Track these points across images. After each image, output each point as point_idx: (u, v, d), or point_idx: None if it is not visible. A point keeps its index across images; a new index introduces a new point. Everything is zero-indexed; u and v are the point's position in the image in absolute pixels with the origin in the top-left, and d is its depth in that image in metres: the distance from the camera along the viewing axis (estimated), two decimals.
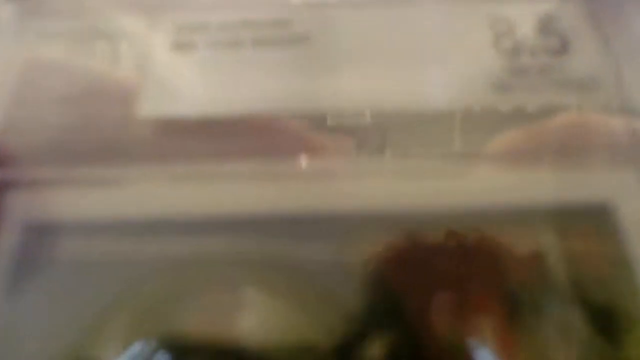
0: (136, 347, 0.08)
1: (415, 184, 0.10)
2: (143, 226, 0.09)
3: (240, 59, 0.11)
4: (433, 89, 0.11)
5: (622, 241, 0.09)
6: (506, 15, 0.11)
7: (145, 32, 0.12)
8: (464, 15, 0.12)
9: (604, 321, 0.08)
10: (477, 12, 0.11)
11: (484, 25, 0.11)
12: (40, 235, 0.09)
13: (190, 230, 0.09)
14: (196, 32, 0.11)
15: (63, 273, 0.09)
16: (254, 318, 0.09)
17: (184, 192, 0.10)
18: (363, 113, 0.10)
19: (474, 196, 0.10)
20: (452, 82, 0.11)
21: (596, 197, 0.09)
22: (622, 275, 0.09)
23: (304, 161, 0.10)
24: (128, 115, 0.10)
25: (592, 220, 0.09)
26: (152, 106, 0.11)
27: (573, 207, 0.09)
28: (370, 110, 0.10)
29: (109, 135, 0.10)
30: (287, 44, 0.11)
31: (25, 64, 0.11)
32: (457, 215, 0.09)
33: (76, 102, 0.11)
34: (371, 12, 0.12)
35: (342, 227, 0.09)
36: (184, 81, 0.11)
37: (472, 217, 0.09)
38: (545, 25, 0.11)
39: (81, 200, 0.10)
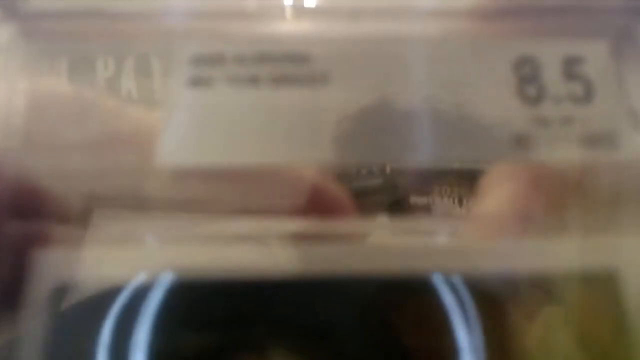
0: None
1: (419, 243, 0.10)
2: (167, 287, 0.10)
3: (260, 99, 0.11)
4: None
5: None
6: (532, 54, 0.11)
7: (158, 60, 0.11)
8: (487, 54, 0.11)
9: None
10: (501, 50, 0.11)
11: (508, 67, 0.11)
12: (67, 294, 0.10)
13: (216, 291, 0.10)
14: (213, 66, 0.11)
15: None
16: None
17: (207, 251, 0.10)
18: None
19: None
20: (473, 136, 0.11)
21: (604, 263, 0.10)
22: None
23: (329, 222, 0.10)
24: (146, 162, 0.10)
25: (599, 287, 0.10)
26: (172, 153, 0.10)
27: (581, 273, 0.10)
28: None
29: (127, 184, 0.10)
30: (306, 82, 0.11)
31: (32, 98, 0.11)
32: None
33: (92, 148, 0.10)
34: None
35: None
36: (203, 124, 0.11)
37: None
38: (571, 68, 0.11)
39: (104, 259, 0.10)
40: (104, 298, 0.10)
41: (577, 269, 0.10)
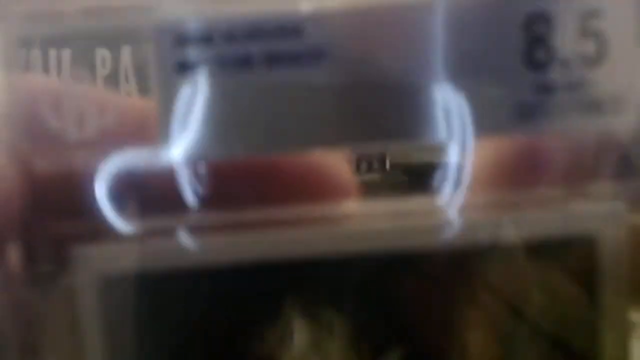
0: None
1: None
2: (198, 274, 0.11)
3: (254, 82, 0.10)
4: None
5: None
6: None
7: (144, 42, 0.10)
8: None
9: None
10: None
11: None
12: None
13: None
14: (198, 47, 0.10)
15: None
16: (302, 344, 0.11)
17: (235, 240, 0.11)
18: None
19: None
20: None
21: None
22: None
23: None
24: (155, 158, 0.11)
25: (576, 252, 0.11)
26: (170, 151, 0.10)
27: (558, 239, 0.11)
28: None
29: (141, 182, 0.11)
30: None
31: (23, 94, 0.11)
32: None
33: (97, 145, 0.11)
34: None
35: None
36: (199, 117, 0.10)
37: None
38: (586, 24, 0.10)
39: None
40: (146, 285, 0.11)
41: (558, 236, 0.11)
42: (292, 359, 0.11)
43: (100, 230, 0.11)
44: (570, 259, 0.11)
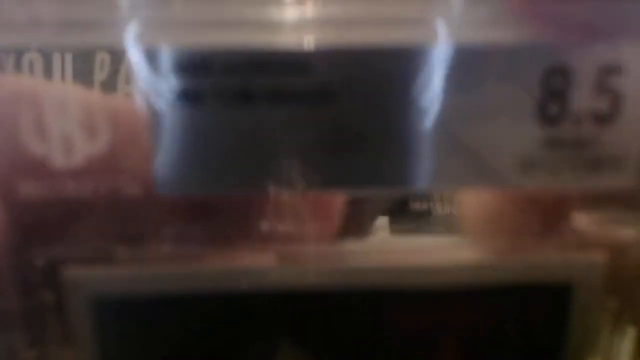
0: None
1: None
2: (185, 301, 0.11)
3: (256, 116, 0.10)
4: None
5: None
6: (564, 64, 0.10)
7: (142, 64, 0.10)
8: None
9: None
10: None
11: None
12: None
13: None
14: (201, 75, 0.10)
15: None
16: None
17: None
18: None
19: None
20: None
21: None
22: None
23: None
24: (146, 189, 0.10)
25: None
26: (170, 181, 0.10)
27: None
28: None
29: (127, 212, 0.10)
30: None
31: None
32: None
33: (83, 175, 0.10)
34: None
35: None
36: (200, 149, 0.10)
37: None
38: (604, 79, 0.10)
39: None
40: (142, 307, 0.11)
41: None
42: None
43: (92, 254, 0.11)
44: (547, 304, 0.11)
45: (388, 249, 0.11)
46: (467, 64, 0.10)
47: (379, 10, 0.09)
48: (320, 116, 0.10)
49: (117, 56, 0.10)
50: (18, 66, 0.11)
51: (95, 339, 0.11)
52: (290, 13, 0.09)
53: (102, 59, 0.10)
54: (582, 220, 0.12)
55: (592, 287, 0.11)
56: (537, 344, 0.11)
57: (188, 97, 0.10)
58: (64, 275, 0.11)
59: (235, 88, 0.10)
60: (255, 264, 0.11)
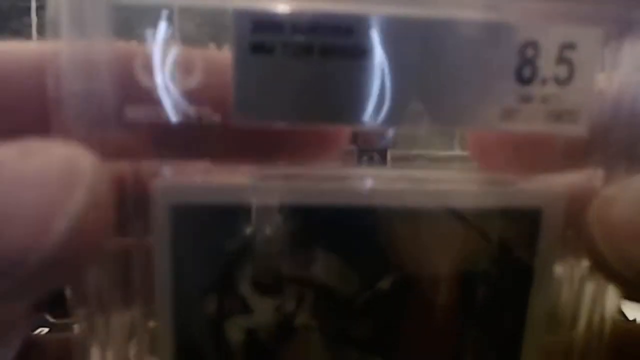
0: None
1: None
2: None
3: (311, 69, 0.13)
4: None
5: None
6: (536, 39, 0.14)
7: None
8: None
9: None
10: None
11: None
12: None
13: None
14: (272, 33, 0.13)
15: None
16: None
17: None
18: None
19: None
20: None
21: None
22: None
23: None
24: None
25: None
26: (241, 112, 0.13)
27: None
28: None
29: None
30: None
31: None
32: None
33: None
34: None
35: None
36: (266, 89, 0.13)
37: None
38: (563, 52, 0.14)
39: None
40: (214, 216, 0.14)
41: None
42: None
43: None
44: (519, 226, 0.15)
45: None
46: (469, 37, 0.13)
47: None
48: (357, 68, 0.13)
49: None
50: None
51: (171, 241, 0.14)
52: None
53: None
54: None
55: (557, 212, 0.15)
56: (514, 258, 0.15)
57: (263, 49, 0.13)
58: (151, 187, 0.14)
59: (298, 44, 0.13)
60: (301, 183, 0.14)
